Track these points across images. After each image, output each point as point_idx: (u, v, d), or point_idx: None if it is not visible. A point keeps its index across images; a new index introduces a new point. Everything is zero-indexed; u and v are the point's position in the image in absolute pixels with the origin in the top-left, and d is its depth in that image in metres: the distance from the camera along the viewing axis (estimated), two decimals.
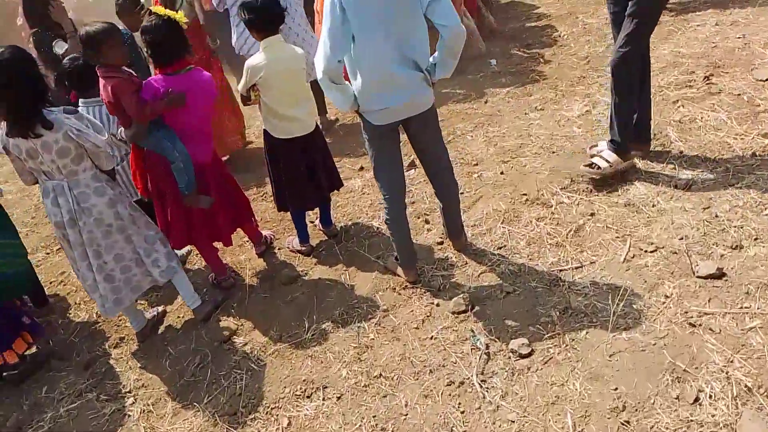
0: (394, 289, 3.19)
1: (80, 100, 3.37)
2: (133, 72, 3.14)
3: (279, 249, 3.87)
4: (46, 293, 3.92)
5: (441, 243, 3.46)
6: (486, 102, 5.23)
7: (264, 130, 3.45)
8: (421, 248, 3.45)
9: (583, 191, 3.58)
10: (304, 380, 2.78)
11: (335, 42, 2.52)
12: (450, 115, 5.16)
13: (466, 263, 3.25)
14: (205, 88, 3.17)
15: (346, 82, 2.72)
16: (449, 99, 5.52)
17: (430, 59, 2.75)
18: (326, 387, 2.72)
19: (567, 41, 6.19)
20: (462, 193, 3.89)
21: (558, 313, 2.75)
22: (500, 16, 7.38)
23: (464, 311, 2.90)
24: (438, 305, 3.00)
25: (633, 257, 2.99)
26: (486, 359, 2.63)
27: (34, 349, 3.44)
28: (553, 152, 4.11)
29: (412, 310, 3.02)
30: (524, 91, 5.26)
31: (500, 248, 3.30)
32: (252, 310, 3.35)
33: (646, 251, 3.00)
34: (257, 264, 3.78)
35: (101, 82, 3.03)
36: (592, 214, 3.36)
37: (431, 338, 2.82)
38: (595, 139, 4.09)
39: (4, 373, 3.23)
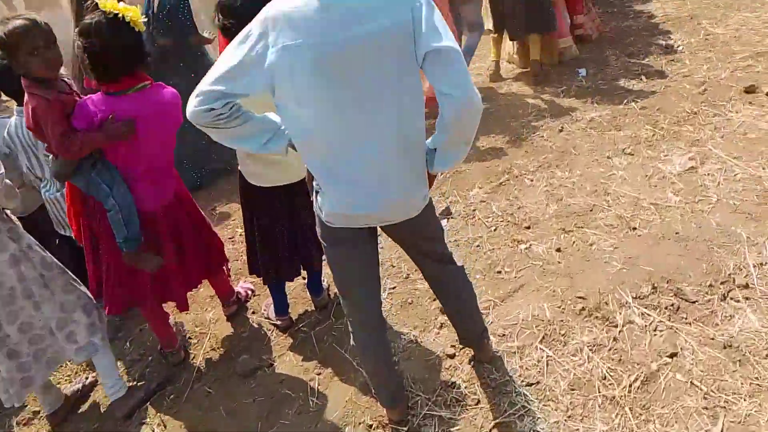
0: (371, 426, 2.30)
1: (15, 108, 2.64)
2: (70, 83, 2.35)
3: (253, 313, 3.06)
4: None
5: (453, 356, 2.52)
6: (561, 130, 4.13)
7: (238, 169, 2.60)
8: (424, 358, 2.53)
9: (665, 308, 2.51)
10: None
11: (229, 76, 1.58)
12: (511, 142, 4.10)
13: (479, 402, 2.30)
14: (166, 113, 2.33)
15: (252, 112, 1.73)
16: (515, 116, 4.44)
17: (428, 142, 1.79)
18: None
19: (681, 55, 4.91)
20: (498, 272, 2.92)
21: None
22: (600, 10, 6.09)
23: None
24: None
25: None
26: None
27: None
28: (634, 229, 3.01)
29: None
30: (613, 121, 4.10)
31: (531, 385, 2.32)
32: (185, 416, 2.53)
33: None
34: (221, 330, 2.99)
35: (25, 96, 2.27)
36: (673, 355, 2.30)
37: None
38: (696, 218, 2.97)
39: None
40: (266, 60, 1.55)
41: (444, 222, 3.39)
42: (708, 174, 3.33)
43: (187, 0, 3.91)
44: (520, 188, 3.57)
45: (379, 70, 1.59)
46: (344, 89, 1.59)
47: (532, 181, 3.62)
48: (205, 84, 1.61)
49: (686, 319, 2.45)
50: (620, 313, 2.52)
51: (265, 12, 1.59)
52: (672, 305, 2.51)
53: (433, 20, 1.56)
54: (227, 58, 1.60)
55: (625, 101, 4.32)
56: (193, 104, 1.61)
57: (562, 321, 2.55)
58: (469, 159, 3.94)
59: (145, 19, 3.92)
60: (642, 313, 2.50)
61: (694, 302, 2.51)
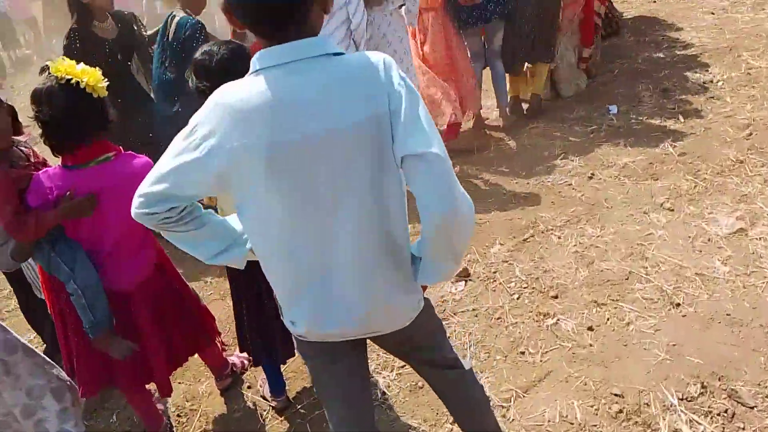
0: None
1: None
2: (28, 152, 2.08)
3: (249, 387, 2.76)
4: None
5: None
6: (590, 177, 3.78)
7: None
8: None
9: (718, 415, 2.16)
10: None
11: (171, 177, 1.31)
12: (535, 190, 3.77)
13: None
14: (135, 185, 2.05)
15: (212, 213, 1.50)
16: (540, 159, 4.11)
17: (412, 247, 1.50)
18: None
19: (721, 91, 4.54)
20: (522, 353, 2.59)
21: None
22: (632, 39, 5.74)
23: None
24: None
25: None
26: None
27: None
28: (678, 305, 2.67)
29: None
30: (648, 169, 3.75)
31: None
32: None
33: None
34: (213, 407, 2.69)
35: None
36: None
37: None
38: (749, 296, 2.61)
39: None
40: (212, 163, 1.27)
41: (461, 285, 3.07)
42: (760, 238, 2.97)
43: (203, 31, 3.67)
44: (547, 247, 3.24)
45: (351, 169, 1.31)
46: (309, 191, 1.31)
47: (559, 238, 3.28)
48: (146, 184, 1.35)
49: (743, 429, 2.10)
50: (664, 419, 2.17)
51: (213, 100, 1.30)
52: (726, 411, 2.16)
53: (415, 115, 1.27)
54: (171, 155, 1.32)
55: (662, 145, 3.97)
56: (134, 205, 1.37)
57: (595, 426, 2.21)
58: (489, 209, 3.62)
59: (158, 48, 3.74)
60: (690, 420, 2.16)
61: (752, 408, 2.16)
